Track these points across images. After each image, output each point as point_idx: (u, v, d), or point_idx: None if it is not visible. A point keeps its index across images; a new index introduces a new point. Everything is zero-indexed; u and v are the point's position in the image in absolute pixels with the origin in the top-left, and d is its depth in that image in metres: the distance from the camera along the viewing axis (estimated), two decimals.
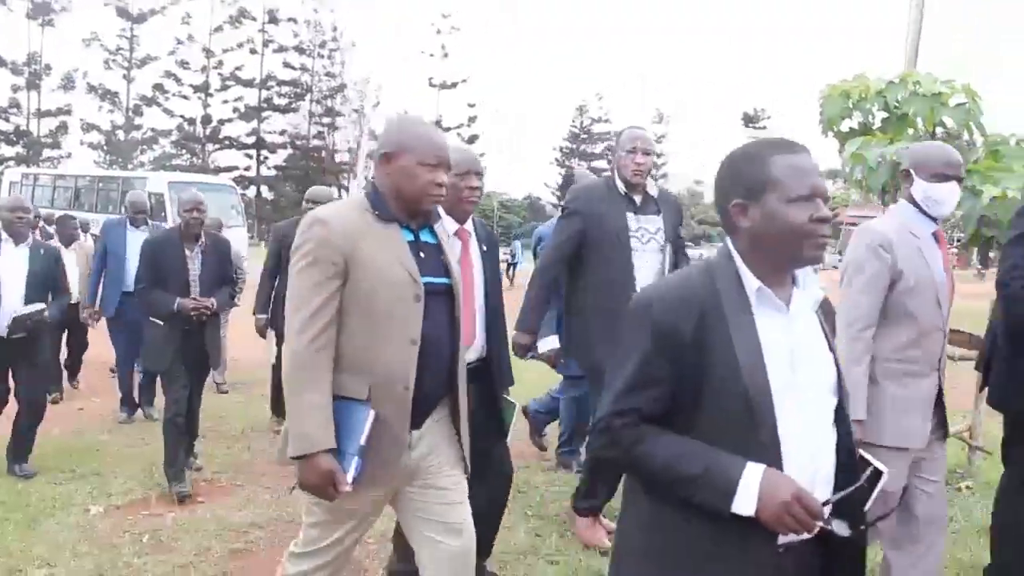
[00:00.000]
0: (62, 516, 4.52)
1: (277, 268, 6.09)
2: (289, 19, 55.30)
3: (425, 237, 2.52)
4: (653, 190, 4.19)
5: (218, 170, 51.34)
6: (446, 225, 3.14)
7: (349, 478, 2.25)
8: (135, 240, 6.47)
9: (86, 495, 4.90)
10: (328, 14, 63.69)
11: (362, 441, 2.27)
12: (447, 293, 2.51)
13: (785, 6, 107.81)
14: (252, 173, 55.42)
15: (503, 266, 26.20)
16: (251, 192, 52.82)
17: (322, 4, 55.86)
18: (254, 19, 54.35)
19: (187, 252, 5.19)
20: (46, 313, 5.23)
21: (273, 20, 54.93)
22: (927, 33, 6.13)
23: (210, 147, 55.37)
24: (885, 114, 4.66)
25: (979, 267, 37.55)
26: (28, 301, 5.14)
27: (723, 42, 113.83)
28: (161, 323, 5.07)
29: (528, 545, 4.16)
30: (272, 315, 6.18)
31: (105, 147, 52.53)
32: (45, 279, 5.30)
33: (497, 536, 4.19)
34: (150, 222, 7.23)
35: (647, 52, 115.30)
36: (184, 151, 54.77)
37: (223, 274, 5.38)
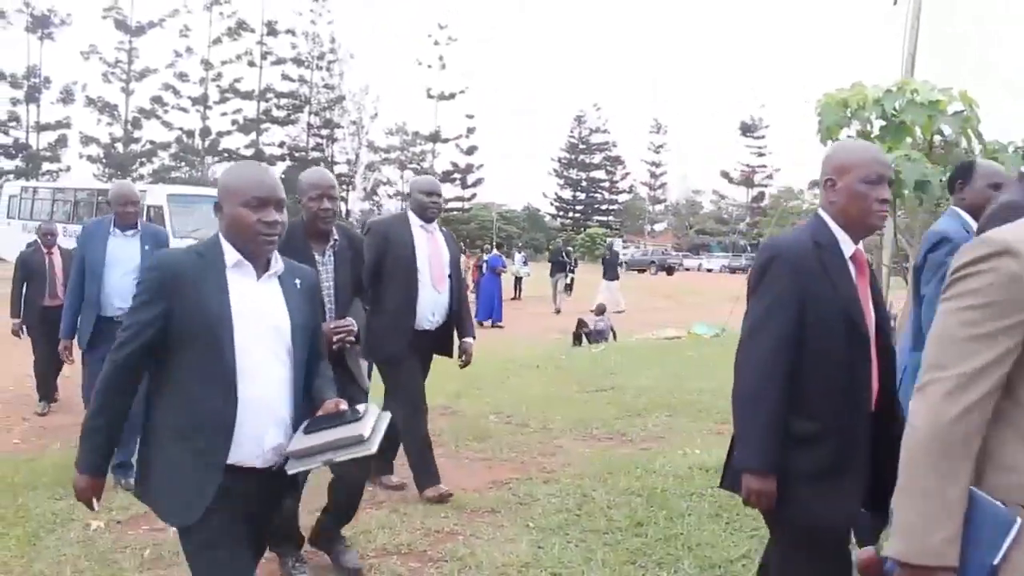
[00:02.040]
0: (63, 532, 4.50)
1: (380, 275, 4.92)
2: (287, 31, 55.64)
3: None
4: None
5: (217, 183, 51.37)
6: None
7: None
8: (120, 249, 5.30)
9: (87, 510, 4.88)
10: (326, 26, 64.10)
11: (996, 559, 1.59)
12: None
13: (782, 15, 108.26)
14: None
15: (511, 281, 25.88)
16: None
17: (320, 16, 56.16)
18: (252, 31, 54.65)
19: (316, 256, 3.74)
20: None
21: (271, 32, 55.18)
22: (923, 40, 6.16)
23: (209, 159, 55.55)
24: (883, 122, 4.67)
25: None
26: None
27: (720, 52, 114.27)
28: None
29: (530, 557, 4.15)
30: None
31: (104, 160, 52.63)
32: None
33: (497, 548, 4.20)
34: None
35: (644, 62, 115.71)
36: (183, 163, 54.93)
37: (357, 281, 4.08)
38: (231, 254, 2.46)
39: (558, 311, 21.73)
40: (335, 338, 3.71)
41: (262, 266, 2.50)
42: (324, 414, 2.53)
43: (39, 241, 7.90)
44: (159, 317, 2.37)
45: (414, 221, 5.07)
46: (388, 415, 2.58)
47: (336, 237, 3.85)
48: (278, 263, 2.54)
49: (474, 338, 5.36)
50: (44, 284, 7.59)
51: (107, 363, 2.42)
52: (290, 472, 2.49)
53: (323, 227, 3.77)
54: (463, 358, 5.28)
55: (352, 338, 3.80)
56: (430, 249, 5.05)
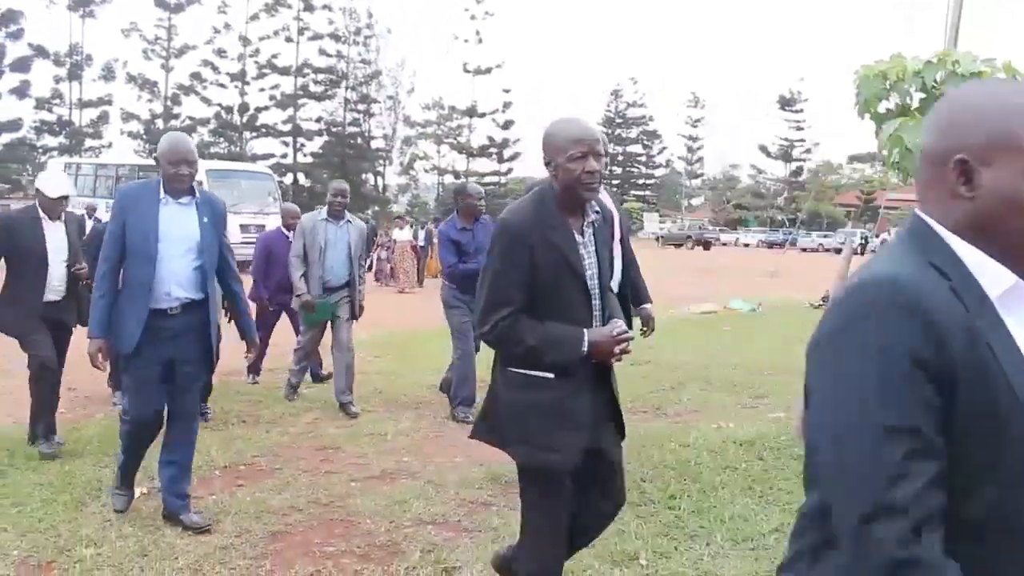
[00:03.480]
0: (108, 498, 4.62)
1: None
2: (324, 6, 55.51)
3: None
4: None
5: (255, 158, 51.78)
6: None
7: None
8: (175, 222, 4.08)
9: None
10: (362, 1, 64.09)
11: None
12: None
13: None
14: (289, 161, 55.82)
15: None
16: (288, 179, 53.25)
17: None
18: (290, 7, 54.63)
19: (576, 237, 2.80)
20: None
21: (308, 8, 55.14)
22: (967, 8, 6.00)
23: (247, 135, 55.88)
24: (923, 95, 4.58)
25: None
26: None
27: (759, 25, 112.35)
28: (549, 377, 2.75)
29: None
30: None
31: (144, 136, 53.19)
32: None
33: None
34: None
35: (682, 36, 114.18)
36: (222, 139, 55.34)
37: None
38: (999, 276, 1.20)
39: None
40: (616, 349, 2.81)
41: None
42: None
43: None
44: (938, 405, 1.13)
45: None
46: None
47: (597, 209, 2.92)
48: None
49: (651, 302, 4.84)
50: None
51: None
52: None
53: (586, 196, 2.79)
54: (644, 328, 4.66)
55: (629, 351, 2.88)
56: None
